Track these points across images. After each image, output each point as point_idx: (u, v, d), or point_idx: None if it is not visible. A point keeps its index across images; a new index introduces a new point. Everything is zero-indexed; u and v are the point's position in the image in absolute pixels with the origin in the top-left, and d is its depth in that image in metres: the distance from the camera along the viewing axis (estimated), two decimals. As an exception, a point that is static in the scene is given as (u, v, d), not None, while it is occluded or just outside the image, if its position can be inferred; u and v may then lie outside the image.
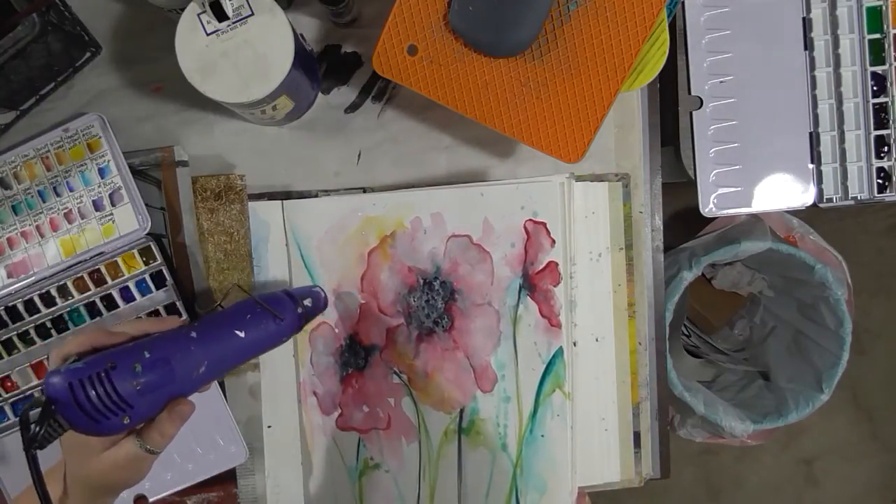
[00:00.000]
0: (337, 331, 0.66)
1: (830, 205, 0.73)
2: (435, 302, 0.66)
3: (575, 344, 0.68)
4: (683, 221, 1.19)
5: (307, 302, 0.54)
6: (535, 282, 0.66)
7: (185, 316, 0.62)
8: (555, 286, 0.66)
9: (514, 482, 0.67)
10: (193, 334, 0.45)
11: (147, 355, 0.42)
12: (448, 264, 0.66)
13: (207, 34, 0.53)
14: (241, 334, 0.47)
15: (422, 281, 0.66)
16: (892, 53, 0.71)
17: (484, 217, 0.65)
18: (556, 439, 0.67)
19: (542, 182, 0.66)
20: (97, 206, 0.62)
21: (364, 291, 0.66)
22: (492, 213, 0.65)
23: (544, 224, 0.66)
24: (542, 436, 0.67)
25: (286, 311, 0.51)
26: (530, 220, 0.66)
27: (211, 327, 0.47)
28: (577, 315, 0.68)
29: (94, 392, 0.39)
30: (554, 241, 0.66)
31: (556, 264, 0.66)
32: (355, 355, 0.66)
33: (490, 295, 0.66)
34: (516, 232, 0.66)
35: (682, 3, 0.70)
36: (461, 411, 0.66)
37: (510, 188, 0.66)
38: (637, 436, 0.71)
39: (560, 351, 0.66)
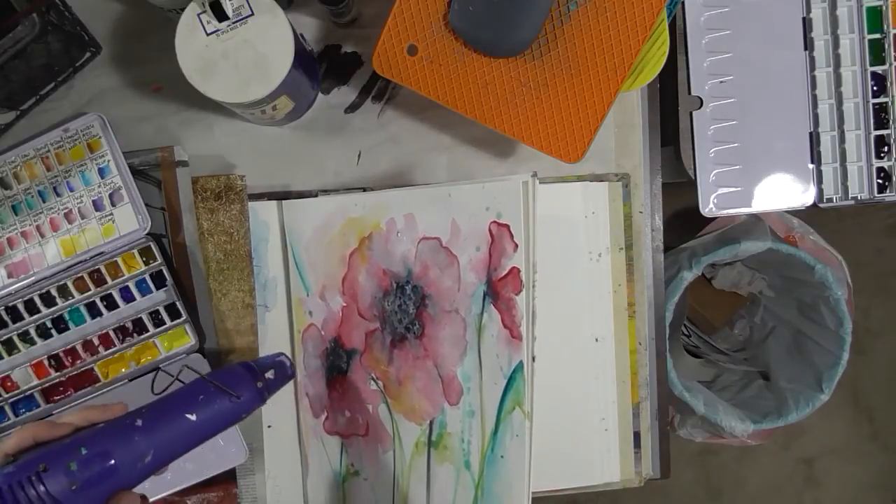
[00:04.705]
0: (323, 333, 0.65)
1: (830, 205, 0.73)
2: (407, 307, 0.63)
3: (534, 359, 0.60)
4: (683, 221, 1.18)
5: (269, 375, 0.48)
6: (498, 289, 0.60)
7: (184, 316, 0.62)
8: (517, 294, 0.59)
9: (475, 503, 0.62)
10: (139, 422, 0.43)
11: (84, 452, 0.40)
12: (419, 268, 0.62)
13: (207, 34, 0.54)
14: (193, 417, 0.44)
15: (395, 285, 0.63)
16: (892, 53, 0.71)
17: (451, 218, 0.61)
18: (514, 462, 0.60)
19: (506, 181, 0.59)
20: (97, 206, 0.62)
21: (345, 294, 0.64)
22: (458, 214, 0.61)
23: (508, 226, 0.59)
24: (502, 456, 0.61)
25: (243, 387, 0.46)
26: (494, 221, 0.60)
27: (159, 413, 0.44)
28: (538, 327, 0.60)
29: (24, 497, 0.38)
30: (517, 246, 0.59)
31: (519, 270, 0.59)
32: (338, 358, 0.65)
33: (457, 301, 0.61)
34: (481, 235, 0.60)
35: (682, 3, 0.70)
36: (431, 423, 0.63)
37: (476, 188, 0.60)
38: (637, 436, 0.70)
39: (520, 366, 0.59)
